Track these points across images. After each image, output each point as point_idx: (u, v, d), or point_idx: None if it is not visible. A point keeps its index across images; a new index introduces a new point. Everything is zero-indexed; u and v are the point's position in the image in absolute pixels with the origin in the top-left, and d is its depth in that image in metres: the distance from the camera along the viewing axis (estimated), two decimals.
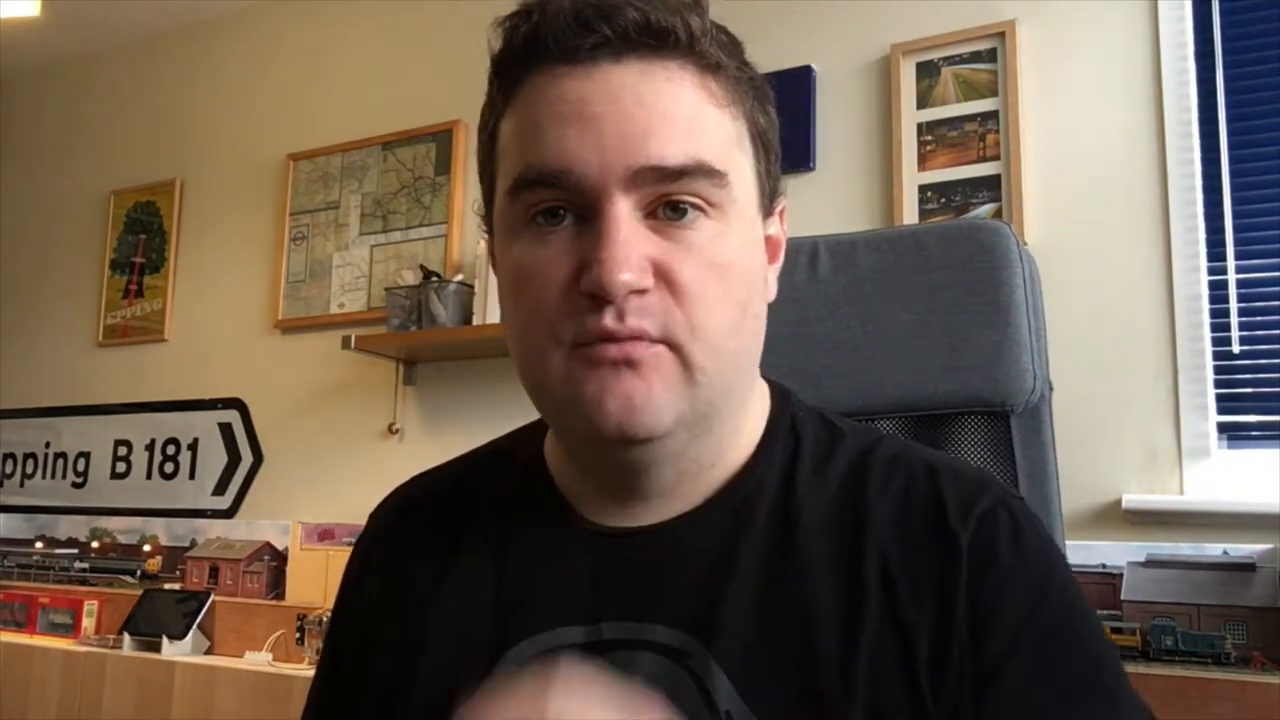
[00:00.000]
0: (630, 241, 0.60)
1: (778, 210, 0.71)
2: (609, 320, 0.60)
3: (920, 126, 2.25)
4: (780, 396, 0.73)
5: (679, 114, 0.61)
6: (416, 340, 2.63)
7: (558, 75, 0.62)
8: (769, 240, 0.70)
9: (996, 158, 2.17)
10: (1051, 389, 1.01)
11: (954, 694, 0.59)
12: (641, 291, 0.60)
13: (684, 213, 0.61)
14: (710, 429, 0.65)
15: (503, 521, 0.71)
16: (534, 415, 0.72)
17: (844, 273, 0.99)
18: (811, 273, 0.99)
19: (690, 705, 0.59)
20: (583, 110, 0.61)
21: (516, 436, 0.79)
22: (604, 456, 0.66)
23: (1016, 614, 0.61)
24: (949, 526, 0.63)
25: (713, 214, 0.62)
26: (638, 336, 0.60)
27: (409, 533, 0.76)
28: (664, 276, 0.61)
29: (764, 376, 0.73)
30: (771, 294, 0.70)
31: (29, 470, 3.49)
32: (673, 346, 0.61)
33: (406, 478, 0.82)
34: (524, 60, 0.64)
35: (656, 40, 0.61)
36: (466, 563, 0.70)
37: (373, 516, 0.80)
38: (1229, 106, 2.01)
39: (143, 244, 3.41)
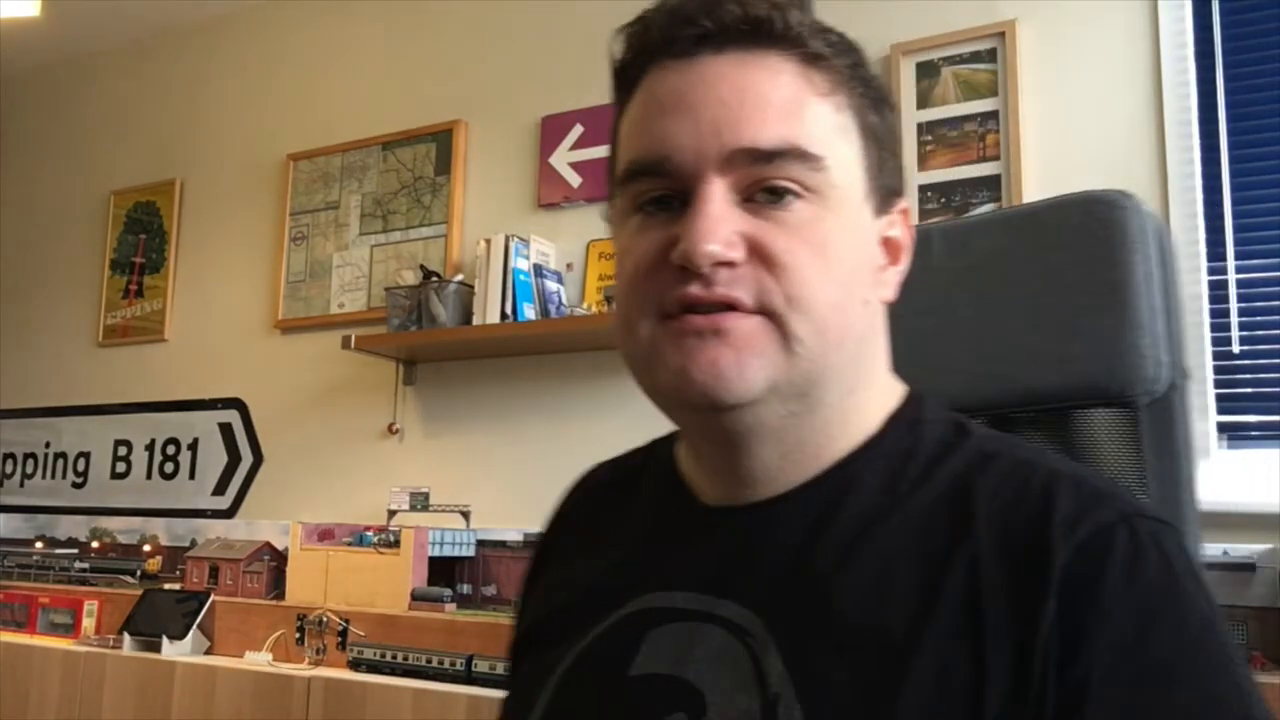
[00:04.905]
0: (720, 216, 0.61)
1: (896, 210, 0.70)
2: (695, 288, 0.61)
3: (920, 126, 2.26)
4: (911, 399, 0.71)
5: (775, 99, 0.62)
6: (416, 340, 2.63)
7: (664, 70, 0.65)
8: (889, 241, 0.69)
9: (996, 158, 2.17)
10: (1187, 378, 0.91)
11: None
12: (731, 264, 0.61)
13: (781, 196, 0.62)
14: (812, 409, 0.64)
15: (633, 500, 0.77)
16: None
17: (957, 260, 0.92)
18: (924, 261, 0.89)
19: (743, 682, 0.60)
20: (681, 100, 0.63)
21: None
22: (700, 427, 0.67)
23: (1109, 648, 0.54)
24: (1048, 540, 0.57)
25: (810, 198, 0.62)
26: (729, 305, 0.61)
27: (573, 508, 0.84)
28: (758, 251, 0.61)
29: (905, 381, 0.72)
30: (890, 295, 0.69)
31: (29, 470, 3.49)
32: (770, 316, 0.61)
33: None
34: (638, 60, 0.67)
35: (755, 31, 0.63)
36: (603, 535, 0.77)
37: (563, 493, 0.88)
38: (1229, 106, 2.01)
39: (143, 244, 3.41)
